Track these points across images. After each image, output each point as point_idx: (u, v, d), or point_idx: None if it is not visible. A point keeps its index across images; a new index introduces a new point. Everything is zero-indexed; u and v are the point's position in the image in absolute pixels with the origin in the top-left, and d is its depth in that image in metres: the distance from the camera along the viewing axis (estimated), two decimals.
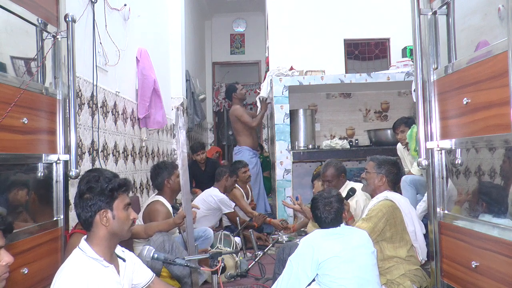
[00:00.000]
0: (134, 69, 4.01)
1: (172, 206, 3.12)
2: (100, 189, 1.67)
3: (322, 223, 2.14)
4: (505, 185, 1.71)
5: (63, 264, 1.67)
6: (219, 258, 2.06)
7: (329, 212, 2.12)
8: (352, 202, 3.00)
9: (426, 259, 2.49)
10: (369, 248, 2.05)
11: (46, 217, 2.06)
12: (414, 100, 2.17)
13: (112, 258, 1.74)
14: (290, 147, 4.43)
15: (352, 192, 2.76)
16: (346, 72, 5.04)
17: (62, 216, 2.14)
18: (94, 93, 2.99)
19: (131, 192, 1.81)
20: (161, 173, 3.20)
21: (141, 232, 2.71)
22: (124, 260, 1.80)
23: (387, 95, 5.39)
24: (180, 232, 3.09)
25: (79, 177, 2.14)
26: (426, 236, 2.47)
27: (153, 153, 4.63)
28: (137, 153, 4.07)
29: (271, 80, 4.67)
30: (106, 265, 1.69)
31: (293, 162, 4.48)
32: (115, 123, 3.49)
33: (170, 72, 5.54)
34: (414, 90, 2.16)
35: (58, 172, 2.15)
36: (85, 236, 1.73)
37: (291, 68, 4.77)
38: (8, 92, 1.76)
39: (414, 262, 2.40)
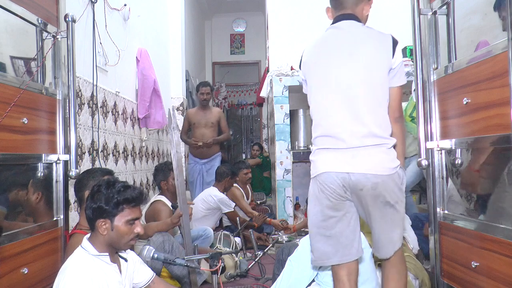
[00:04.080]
0: (134, 69, 4.01)
1: (172, 206, 3.13)
2: (106, 198, 1.66)
3: None
4: (505, 185, 1.71)
5: (66, 263, 1.68)
6: (219, 258, 2.06)
7: None
8: None
9: (418, 248, 2.52)
10: (366, 246, 2.06)
11: (46, 217, 2.06)
12: (414, 100, 2.17)
13: (114, 258, 1.75)
14: (290, 147, 4.43)
15: None
16: None
17: (62, 216, 2.14)
18: (94, 93, 2.99)
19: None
20: (158, 175, 3.24)
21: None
22: (126, 260, 1.81)
23: None
24: (181, 232, 3.10)
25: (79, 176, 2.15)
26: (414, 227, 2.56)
27: (153, 153, 4.63)
28: (137, 153, 4.07)
29: (271, 80, 4.67)
30: (109, 263, 1.70)
31: (293, 162, 4.48)
32: (115, 123, 3.49)
33: (170, 72, 5.54)
34: (414, 90, 2.16)
35: (58, 172, 2.14)
36: (88, 235, 1.74)
37: (292, 68, 4.77)
38: (8, 92, 1.75)
39: (403, 250, 2.42)
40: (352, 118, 1.73)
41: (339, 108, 1.75)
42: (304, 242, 2.12)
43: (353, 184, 1.71)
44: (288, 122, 4.46)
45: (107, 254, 1.69)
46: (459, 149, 1.98)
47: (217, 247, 3.43)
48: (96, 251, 1.68)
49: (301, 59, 1.93)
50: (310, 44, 1.92)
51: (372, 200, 1.72)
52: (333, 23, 1.90)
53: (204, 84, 5.02)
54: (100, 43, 3.12)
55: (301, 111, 4.77)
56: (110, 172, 2.20)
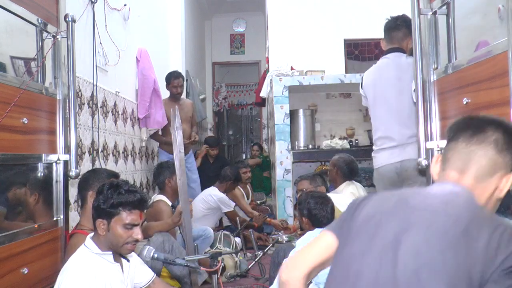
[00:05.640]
0: (134, 69, 4.01)
1: (172, 206, 3.13)
2: (105, 198, 1.69)
3: (319, 223, 2.14)
4: None
5: (68, 261, 1.68)
6: (219, 258, 2.06)
7: (325, 210, 2.15)
8: None
9: None
10: None
11: (46, 217, 2.06)
12: (414, 100, 2.17)
13: (117, 257, 1.75)
14: (290, 147, 4.43)
15: None
16: (346, 72, 5.03)
17: (62, 216, 2.14)
18: (94, 93, 2.99)
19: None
20: (163, 172, 3.23)
21: None
22: (128, 260, 1.81)
23: None
24: (181, 232, 3.10)
25: (79, 177, 2.15)
26: None
27: (153, 153, 4.63)
28: (137, 153, 4.07)
29: (271, 80, 4.67)
30: (112, 262, 1.70)
31: (293, 162, 4.48)
32: (115, 123, 3.49)
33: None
34: (414, 90, 2.17)
35: (58, 172, 2.14)
36: (91, 234, 1.75)
37: (292, 68, 4.77)
38: (8, 92, 1.75)
39: None
40: (400, 124, 2.42)
41: (390, 118, 2.46)
42: (301, 244, 2.12)
43: (403, 168, 2.34)
44: (288, 122, 4.46)
45: (111, 253, 1.70)
46: None
47: (217, 247, 3.43)
48: (99, 249, 1.68)
49: (362, 80, 2.68)
50: (369, 69, 2.67)
51: (416, 178, 2.27)
52: (384, 54, 2.57)
53: (176, 76, 4.44)
54: (100, 43, 3.11)
55: (301, 111, 4.77)
56: (115, 175, 2.20)
